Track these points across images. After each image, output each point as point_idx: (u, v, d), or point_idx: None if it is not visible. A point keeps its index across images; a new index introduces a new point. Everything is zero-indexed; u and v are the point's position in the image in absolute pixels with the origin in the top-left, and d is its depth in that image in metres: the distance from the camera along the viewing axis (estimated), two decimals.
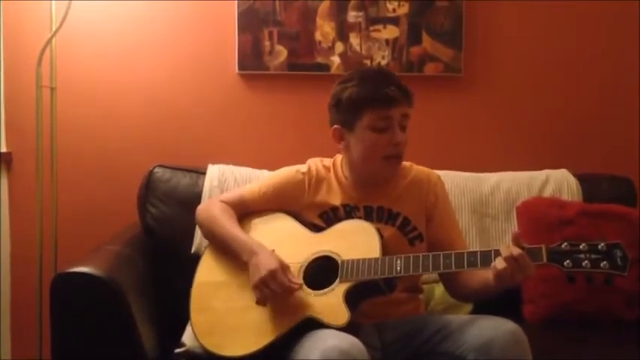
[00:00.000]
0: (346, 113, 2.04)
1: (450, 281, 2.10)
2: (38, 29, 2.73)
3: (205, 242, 2.33)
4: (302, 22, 2.87)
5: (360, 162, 2.08)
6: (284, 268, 1.93)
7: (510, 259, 1.74)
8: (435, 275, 2.19)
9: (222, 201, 2.21)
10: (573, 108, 2.99)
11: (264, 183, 2.21)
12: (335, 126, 2.08)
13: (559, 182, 2.70)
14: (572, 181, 2.71)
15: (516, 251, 1.75)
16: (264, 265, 1.93)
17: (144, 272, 2.32)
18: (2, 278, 2.83)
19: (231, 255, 2.07)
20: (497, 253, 1.79)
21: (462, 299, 2.18)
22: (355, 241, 1.97)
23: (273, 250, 2.00)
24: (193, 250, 2.48)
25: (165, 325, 2.26)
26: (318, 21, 2.87)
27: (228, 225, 2.11)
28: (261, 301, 1.93)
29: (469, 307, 2.38)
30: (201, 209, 2.25)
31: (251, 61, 2.87)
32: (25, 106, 2.74)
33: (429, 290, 2.37)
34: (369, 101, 1.99)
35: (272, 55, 2.87)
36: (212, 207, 2.19)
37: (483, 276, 1.92)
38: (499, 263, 1.76)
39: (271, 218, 2.15)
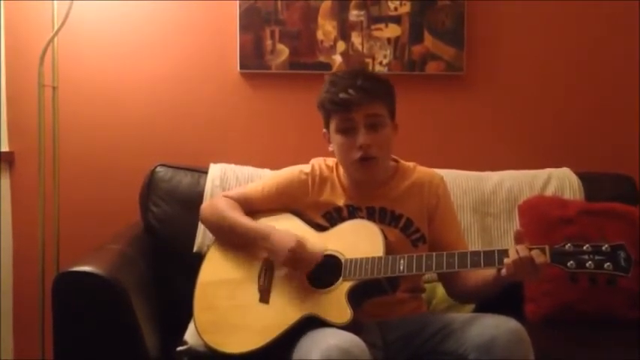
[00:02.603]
0: (323, 118, 2.11)
1: (448, 281, 2.10)
2: (40, 28, 2.74)
3: (207, 241, 2.34)
4: (303, 21, 2.87)
5: (341, 164, 2.12)
6: (302, 241, 1.97)
7: (518, 262, 1.75)
8: (436, 275, 2.19)
9: (226, 197, 2.22)
10: (575, 106, 2.99)
11: (268, 182, 2.22)
12: (324, 130, 2.12)
13: (561, 181, 2.70)
14: (574, 179, 2.71)
15: (523, 253, 1.75)
16: (284, 244, 1.96)
17: (146, 271, 2.33)
18: (4, 277, 2.83)
19: (243, 245, 2.08)
20: (501, 253, 1.80)
21: (461, 299, 2.19)
22: (359, 240, 1.97)
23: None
24: (195, 249, 2.48)
25: (167, 324, 2.27)
26: (320, 20, 2.87)
27: (238, 216, 2.12)
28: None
29: (471, 305, 2.38)
30: (206, 206, 2.26)
31: (252, 60, 2.87)
32: (27, 105, 2.74)
33: (431, 289, 2.37)
34: (329, 106, 2.04)
35: (273, 54, 2.87)
36: (217, 203, 2.20)
37: (483, 275, 1.93)
38: (506, 265, 1.77)
39: (276, 217, 2.14)
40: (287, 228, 2.06)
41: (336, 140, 2.05)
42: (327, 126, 2.10)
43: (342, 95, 2.00)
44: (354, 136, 2.01)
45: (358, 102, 2.00)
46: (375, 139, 2.01)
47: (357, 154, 2.02)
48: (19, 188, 2.85)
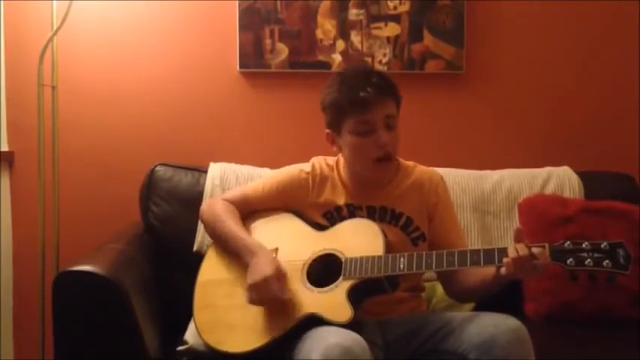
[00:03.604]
0: (332, 119, 2.06)
1: (447, 280, 2.10)
2: (40, 28, 2.73)
3: (207, 240, 2.33)
4: (303, 20, 2.87)
5: (353, 164, 2.09)
6: (280, 275, 1.94)
7: (517, 260, 1.75)
8: (435, 274, 2.19)
9: (226, 199, 2.22)
10: (574, 105, 2.99)
11: (268, 181, 2.22)
12: (327, 130, 2.10)
13: (561, 179, 2.70)
14: (574, 178, 2.71)
15: (522, 251, 1.75)
16: (260, 269, 1.93)
17: (146, 271, 2.32)
18: (4, 277, 2.83)
19: (234, 254, 2.08)
20: (501, 251, 1.80)
21: (459, 298, 2.19)
22: (359, 239, 1.97)
23: (276, 250, 2.03)
24: (195, 248, 2.48)
25: (167, 324, 2.26)
26: (319, 19, 2.87)
27: (231, 224, 2.11)
28: (252, 303, 1.94)
29: (471, 304, 2.38)
30: (205, 208, 2.25)
31: (252, 59, 2.87)
32: (26, 104, 2.74)
33: (430, 288, 2.37)
34: (347, 107, 2.00)
35: (273, 54, 2.87)
36: (215, 206, 2.20)
37: (481, 273, 1.93)
38: (506, 264, 1.77)
39: (275, 216, 2.15)
40: (287, 229, 2.07)
41: (351, 141, 2.03)
42: (334, 126, 2.07)
43: (362, 94, 1.97)
44: (371, 135, 2.00)
45: (377, 100, 1.98)
46: (390, 137, 2.02)
47: (377, 153, 2.00)
48: (18, 188, 2.85)
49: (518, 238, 1.80)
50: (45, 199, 2.67)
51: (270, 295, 1.91)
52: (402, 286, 2.00)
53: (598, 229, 2.33)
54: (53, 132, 2.71)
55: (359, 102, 1.98)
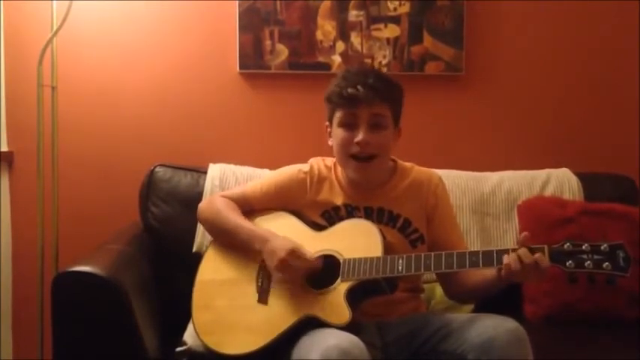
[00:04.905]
0: (328, 111, 2.11)
1: (447, 281, 2.10)
2: (39, 28, 2.73)
3: (207, 241, 2.33)
4: (303, 21, 2.87)
5: (337, 160, 2.12)
6: (298, 249, 1.95)
7: (515, 262, 1.75)
8: (435, 275, 2.19)
9: (225, 196, 2.21)
10: (574, 107, 2.99)
11: (266, 181, 2.22)
12: (326, 123, 2.13)
13: (560, 181, 2.70)
14: (574, 180, 2.71)
15: (522, 254, 1.75)
16: (280, 247, 1.94)
17: (145, 271, 2.32)
18: (3, 277, 2.83)
19: (240, 247, 2.08)
20: (500, 253, 1.80)
21: (459, 299, 2.19)
22: (357, 240, 1.97)
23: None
24: (195, 249, 2.48)
25: (167, 324, 2.27)
26: (319, 20, 2.87)
27: (235, 217, 2.12)
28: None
29: (470, 305, 2.38)
30: (204, 205, 2.25)
31: (252, 60, 2.87)
32: (26, 105, 2.74)
33: (430, 289, 2.37)
34: (336, 101, 2.05)
35: (273, 55, 2.87)
36: (215, 202, 2.20)
37: (482, 275, 1.93)
38: (512, 261, 1.76)
39: (273, 216, 2.15)
40: (285, 228, 2.07)
41: (337, 134, 2.06)
42: (330, 119, 2.10)
43: (350, 90, 2.00)
44: (354, 131, 2.02)
45: (365, 99, 2.00)
46: (374, 138, 2.02)
47: (354, 150, 2.02)
48: (18, 188, 2.85)
49: (521, 244, 1.80)
50: (44, 199, 2.67)
51: (300, 265, 1.93)
52: (401, 287, 2.00)
53: (597, 231, 2.33)
54: (53, 132, 2.71)
55: (346, 97, 2.01)
